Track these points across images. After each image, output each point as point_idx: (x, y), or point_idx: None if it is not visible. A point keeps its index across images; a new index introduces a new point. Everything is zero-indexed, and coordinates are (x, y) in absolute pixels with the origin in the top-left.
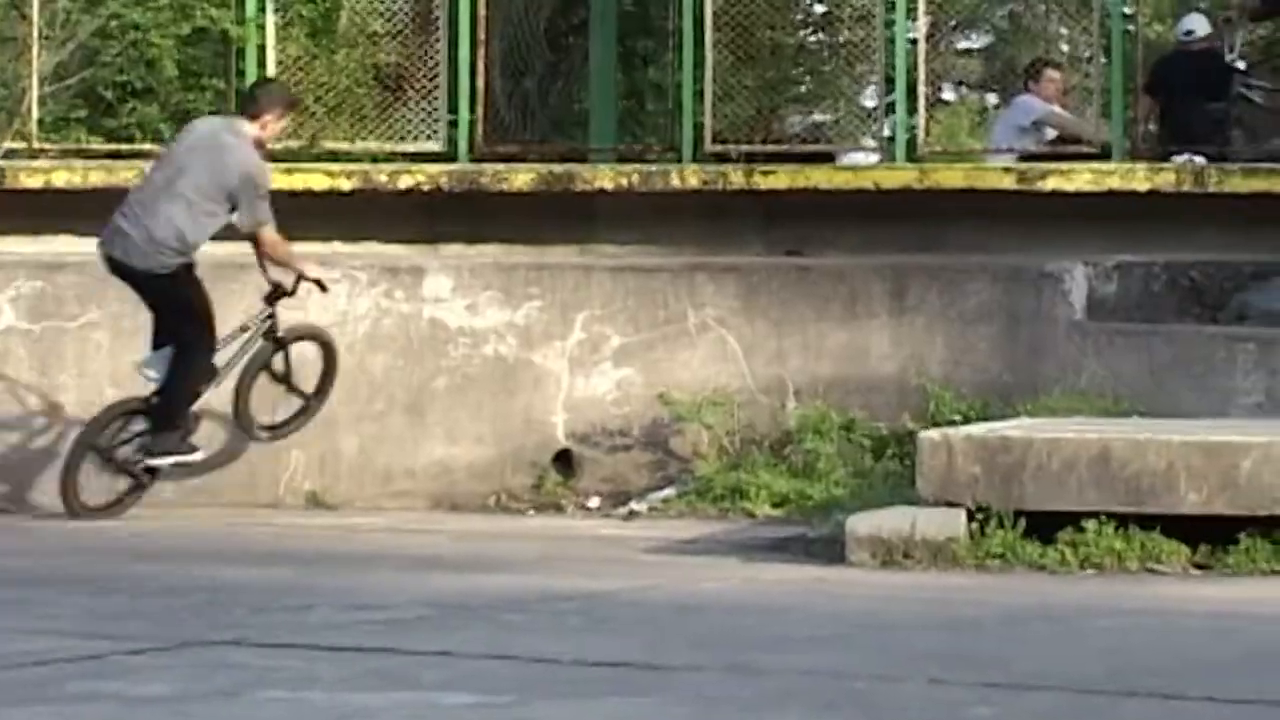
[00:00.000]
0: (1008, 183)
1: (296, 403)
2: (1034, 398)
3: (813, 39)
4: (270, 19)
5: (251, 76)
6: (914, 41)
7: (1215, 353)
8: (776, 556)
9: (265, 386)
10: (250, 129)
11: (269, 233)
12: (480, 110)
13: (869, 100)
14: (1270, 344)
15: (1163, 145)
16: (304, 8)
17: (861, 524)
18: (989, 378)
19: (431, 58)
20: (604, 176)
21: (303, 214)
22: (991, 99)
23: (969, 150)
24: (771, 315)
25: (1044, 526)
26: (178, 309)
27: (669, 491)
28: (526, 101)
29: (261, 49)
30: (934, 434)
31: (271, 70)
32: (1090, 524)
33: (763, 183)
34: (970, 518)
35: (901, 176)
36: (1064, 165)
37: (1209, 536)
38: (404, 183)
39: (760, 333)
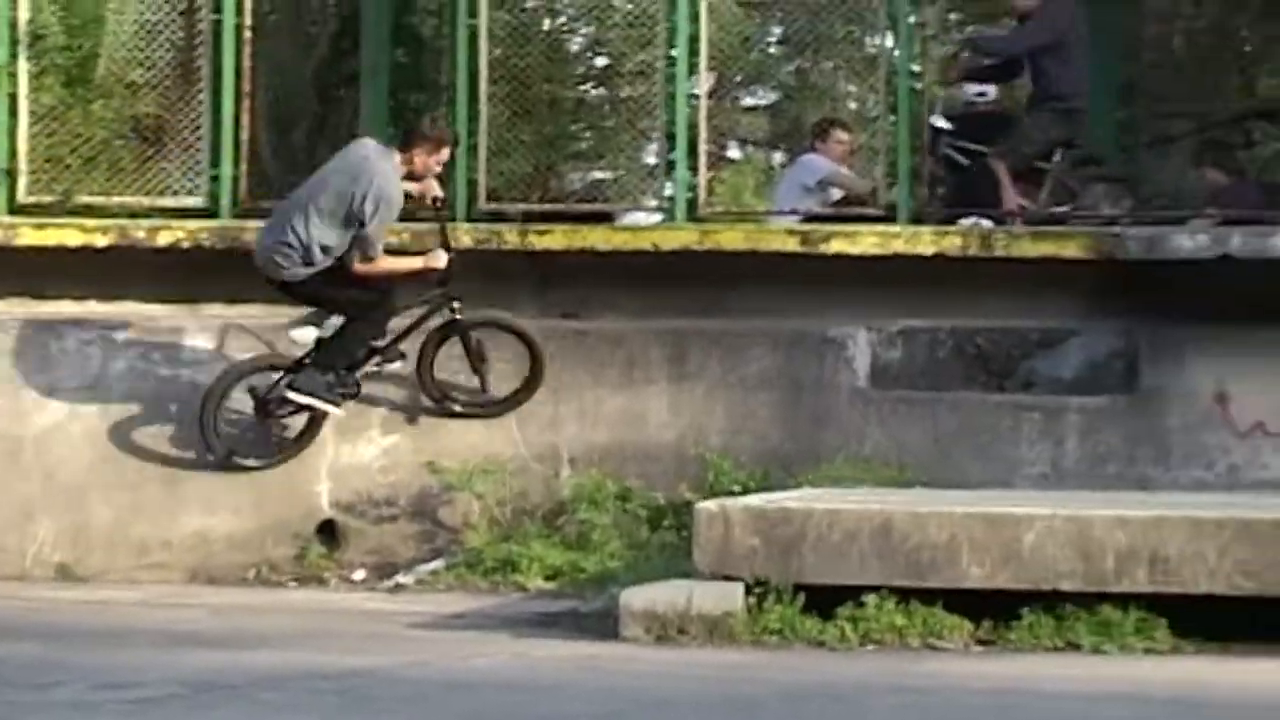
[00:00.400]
0: (791, 245)
1: (488, 394)
2: (816, 467)
3: (593, 94)
4: (23, 66)
5: (2, 126)
6: (696, 97)
7: (1001, 422)
8: (548, 631)
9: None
10: (400, 160)
11: (362, 266)
12: (244, 164)
13: (651, 158)
14: (1056, 413)
15: (950, 207)
16: (59, 55)
17: (636, 598)
18: (770, 446)
19: (193, 109)
20: None
21: (56, 271)
22: (778, 157)
23: (753, 210)
24: (546, 380)
25: (824, 601)
26: (326, 306)
27: (437, 563)
28: (293, 156)
29: (13, 98)
30: (711, 505)
31: (23, 121)
32: (871, 598)
33: (538, 243)
34: (748, 591)
35: (681, 237)
36: (849, 227)
37: (992, 611)
38: (163, 239)
39: (535, 398)
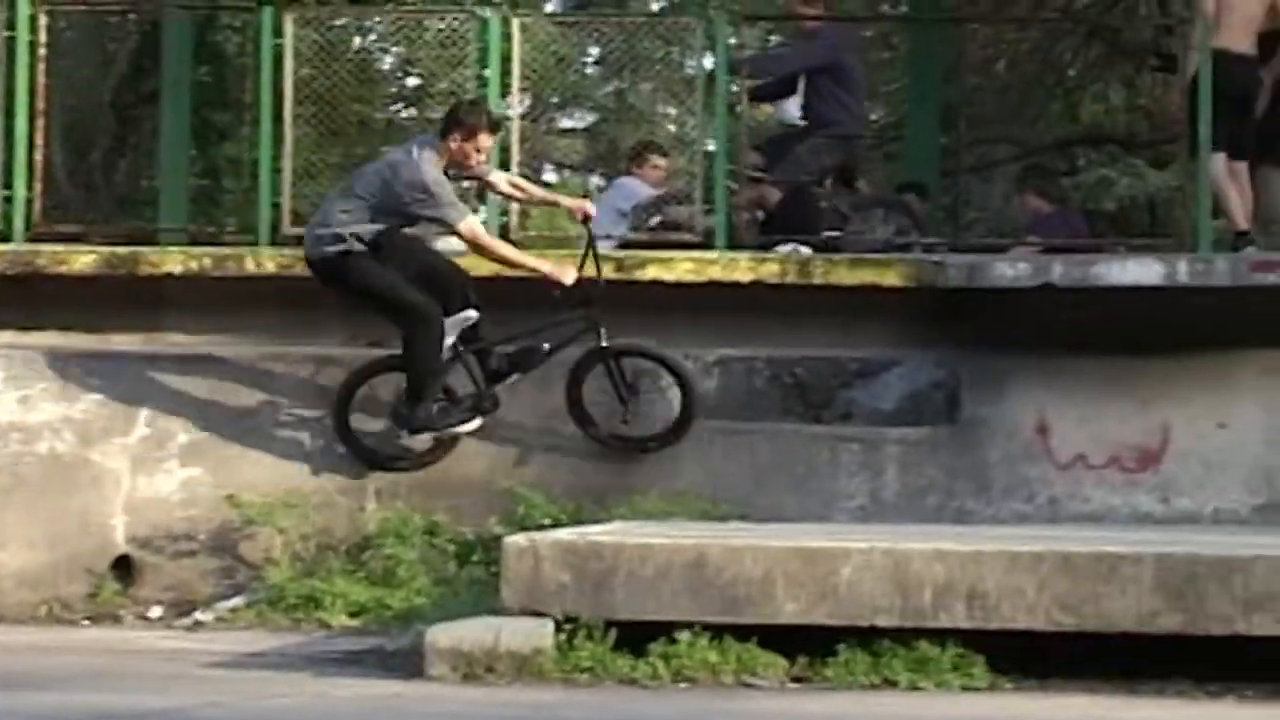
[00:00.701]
0: (606, 270)
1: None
2: (629, 500)
3: (404, 115)
4: None
5: None
6: (509, 119)
7: (818, 453)
8: (351, 670)
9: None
10: (439, 147)
11: (468, 231)
12: (38, 186)
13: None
14: (875, 445)
15: (769, 233)
16: None
17: (442, 635)
18: (583, 479)
19: None
20: (173, 260)
21: None
22: (595, 180)
23: (567, 236)
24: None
25: (637, 637)
26: (362, 298)
27: (238, 600)
28: (90, 177)
29: None
30: (520, 539)
31: None
32: (684, 635)
33: None
34: (558, 628)
35: (492, 263)
36: (664, 254)
37: (808, 648)
38: None
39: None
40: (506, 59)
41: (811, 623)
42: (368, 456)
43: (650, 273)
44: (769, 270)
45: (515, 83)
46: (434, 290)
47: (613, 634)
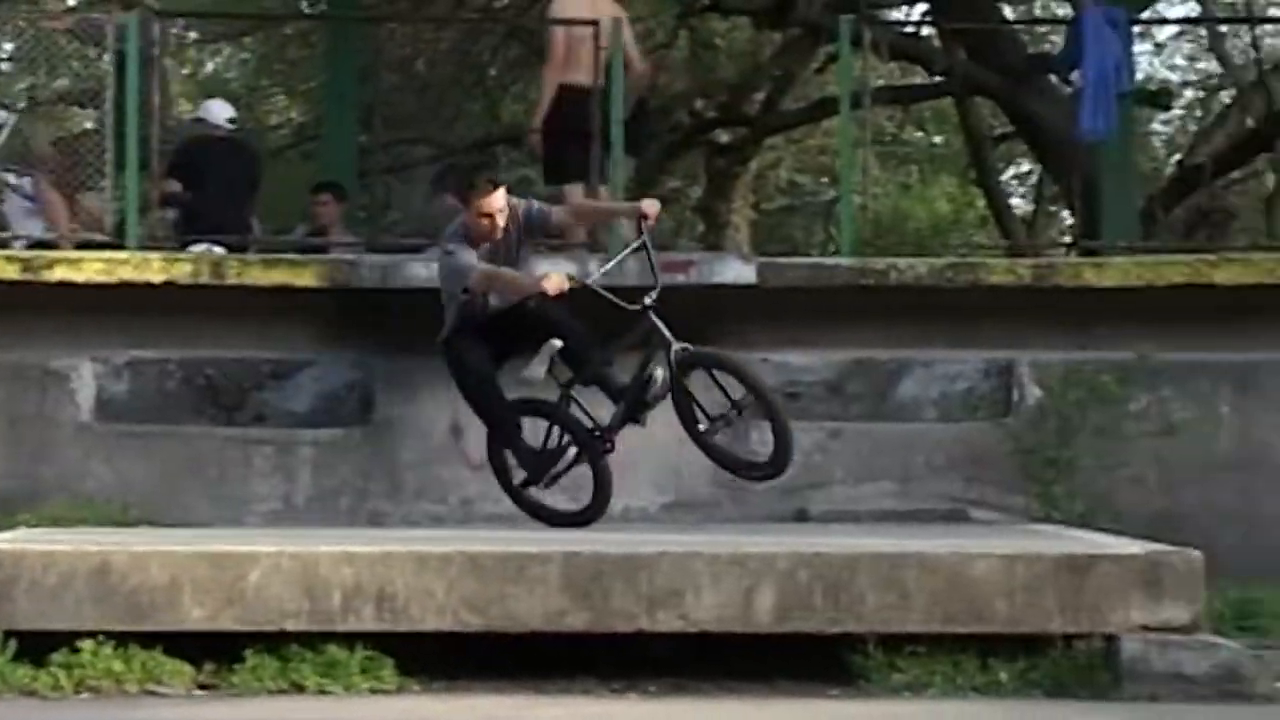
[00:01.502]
0: (11, 272)
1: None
2: (36, 506)
3: None
4: None
5: None
6: None
7: (231, 456)
8: None
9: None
10: (464, 226)
11: (480, 277)
12: None
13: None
14: (288, 447)
15: (186, 234)
16: None
17: None
18: None
19: None
20: None
21: None
22: (10, 179)
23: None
24: None
25: (41, 648)
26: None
27: None
28: None
29: None
30: None
31: None
32: (87, 644)
33: None
34: None
35: None
36: (74, 254)
37: (215, 654)
38: None
39: None
40: None
41: (219, 629)
42: (545, 515)
43: (58, 274)
44: (182, 270)
45: None
46: (518, 341)
47: (13, 645)
